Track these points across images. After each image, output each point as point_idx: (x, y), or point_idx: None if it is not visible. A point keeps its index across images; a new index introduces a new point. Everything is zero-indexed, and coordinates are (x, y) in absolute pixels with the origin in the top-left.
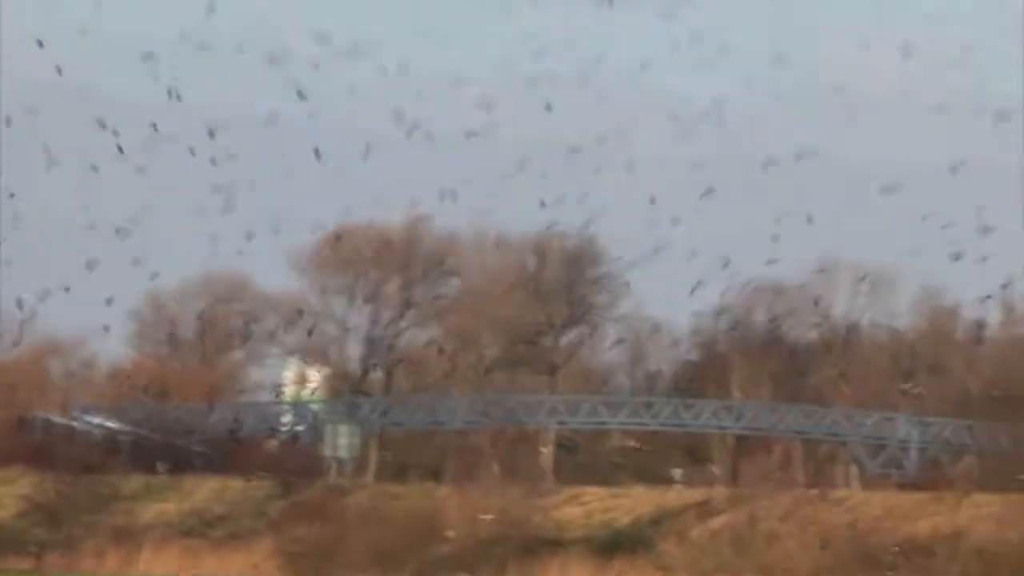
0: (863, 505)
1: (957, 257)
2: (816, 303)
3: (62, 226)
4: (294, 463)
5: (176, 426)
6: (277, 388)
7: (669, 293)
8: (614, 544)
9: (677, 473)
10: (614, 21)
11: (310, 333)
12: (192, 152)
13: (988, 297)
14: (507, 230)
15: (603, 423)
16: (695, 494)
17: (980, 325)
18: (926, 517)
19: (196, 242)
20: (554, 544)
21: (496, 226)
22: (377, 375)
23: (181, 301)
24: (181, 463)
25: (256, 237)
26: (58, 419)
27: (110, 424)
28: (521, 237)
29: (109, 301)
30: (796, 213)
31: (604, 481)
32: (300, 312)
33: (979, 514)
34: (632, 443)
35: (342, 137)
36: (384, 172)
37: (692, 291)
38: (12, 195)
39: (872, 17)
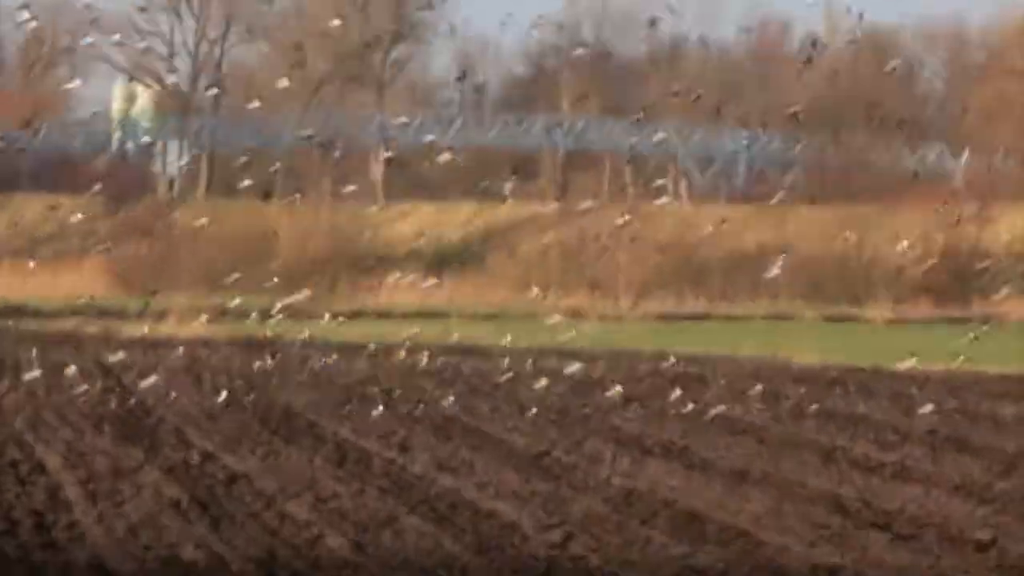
0: (692, 218)
1: None
2: (653, 23)
3: None
4: (124, 181)
5: (1, 146)
6: (106, 106)
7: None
8: (444, 260)
9: (507, 188)
10: None
11: (139, 50)
12: None
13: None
14: None
15: (433, 139)
16: (525, 209)
17: (811, 40)
18: (753, 230)
19: None
20: (385, 260)
21: None
22: (207, 93)
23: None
24: (8, 184)
25: None
26: None
27: None
28: None
29: None
30: None
31: (434, 197)
32: (130, 29)
33: (805, 227)
34: (461, 160)
35: None
36: None
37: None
38: None
39: None
